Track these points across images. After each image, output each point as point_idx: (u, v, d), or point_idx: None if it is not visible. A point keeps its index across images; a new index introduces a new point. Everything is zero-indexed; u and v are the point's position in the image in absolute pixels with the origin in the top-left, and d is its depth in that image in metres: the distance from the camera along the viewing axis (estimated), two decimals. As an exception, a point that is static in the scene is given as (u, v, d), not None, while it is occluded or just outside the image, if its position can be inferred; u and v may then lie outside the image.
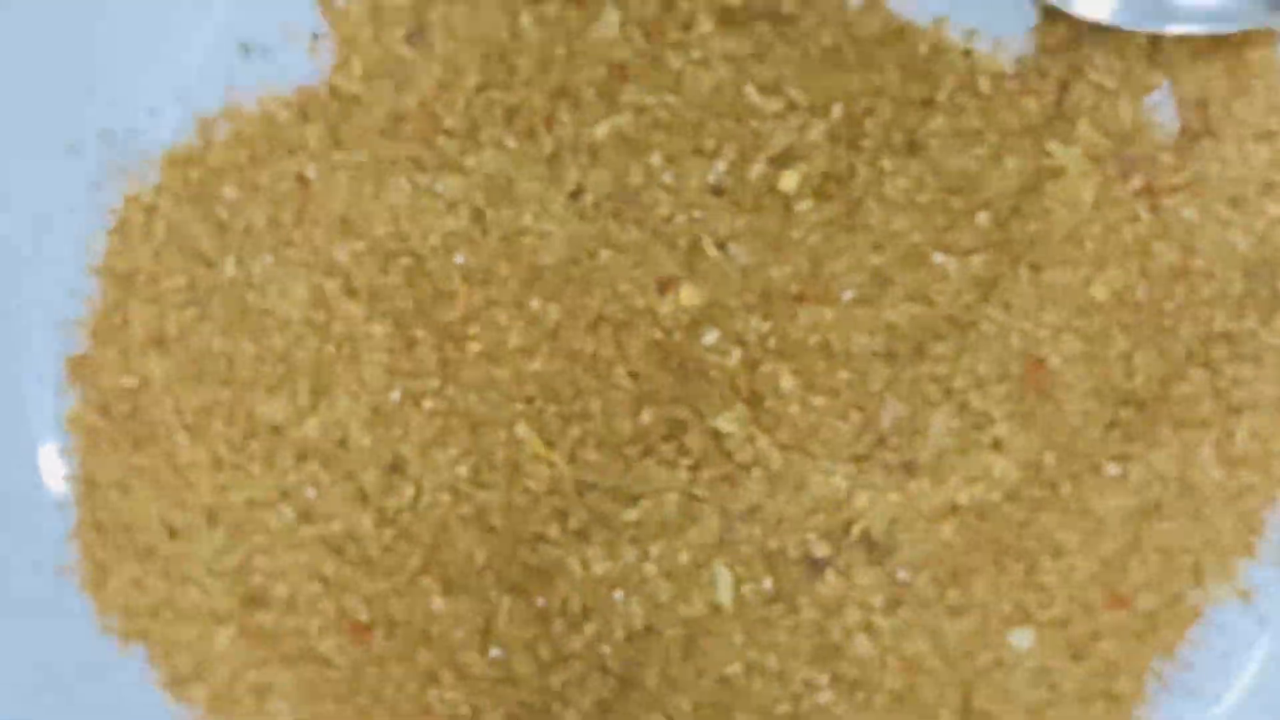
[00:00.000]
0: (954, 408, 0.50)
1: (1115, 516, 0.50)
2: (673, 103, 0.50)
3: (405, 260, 0.51)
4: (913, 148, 0.50)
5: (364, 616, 0.51)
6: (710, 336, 0.50)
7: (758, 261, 0.50)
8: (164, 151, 0.52)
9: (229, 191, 0.52)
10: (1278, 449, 0.50)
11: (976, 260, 0.50)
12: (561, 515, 0.50)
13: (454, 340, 0.51)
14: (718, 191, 0.50)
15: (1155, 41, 0.50)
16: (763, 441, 0.50)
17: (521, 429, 0.50)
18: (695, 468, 0.50)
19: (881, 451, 0.50)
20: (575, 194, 0.50)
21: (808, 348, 0.50)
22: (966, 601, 0.50)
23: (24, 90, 0.52)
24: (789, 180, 0.50)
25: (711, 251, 0.50)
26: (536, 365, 0.50)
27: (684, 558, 0.50)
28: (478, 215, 0.51)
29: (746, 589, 0.50)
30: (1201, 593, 0.51)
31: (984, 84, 0.50)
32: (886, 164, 0.50)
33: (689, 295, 0.50)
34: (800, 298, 0.50)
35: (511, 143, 0.51)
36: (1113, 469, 0.50)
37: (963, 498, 0.50)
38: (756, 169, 0.50)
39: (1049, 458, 0.50)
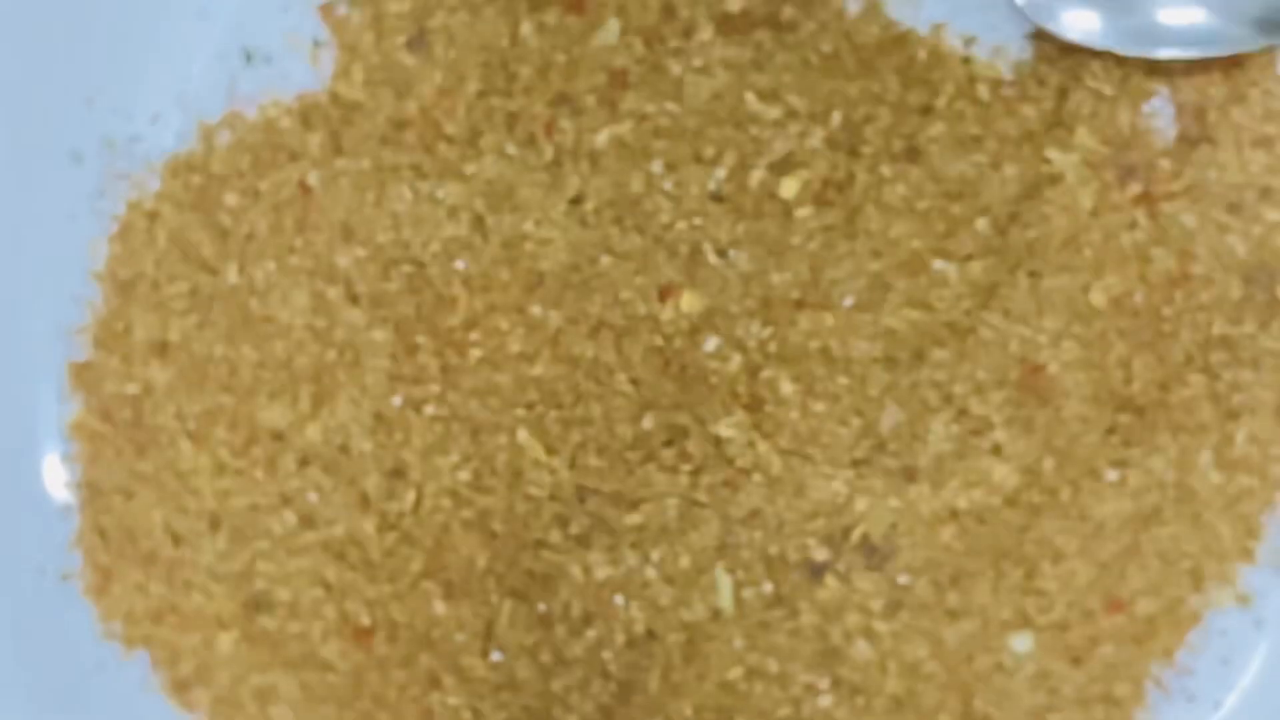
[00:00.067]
0: (953, 413, 0.50)
1: (1114, 521, 0.50)
2: (673, 110, 0.51)
3: (406, 267, 0.51)
4: (912, 154, 0.50)
5: (366, 621, 0.52)
6: (711, 343, 0.50)
7: (758, 268, 0.50)
8: (166, 159, 0.53)
9: (231, 198, 0.52)
10: (1276, 453, 0.50)
11: (976, 266, 0.50)
12: (562, 520, 0.51)
13: (455, 346, 0.51)
14: (718, 198, 0.50)
15: (1153, 48, 0.51)
16: (763, 447, 0.50)
17: (522, 434, 0.51)
18: (696, 473, 0.50)
19: (881, 457, 0.50)
20: (576, 201, 0.51)
21: (808, 354, 0.50)
22: (966, 606, 0.50)
23: (27, 98, 0.52)
24: (789, 187, 0.50)
25: (712, 258, 0.50)
26: (537, 371, 0.50)
27: (685, 562, 0.50)
28: (479, 222, 0.51)
29: (747, 593, 0.50)
30: (1200, 597, 0.51)
31: (983, 91, 0.51)
32: (886, 171, 0.50)
33: (689, 302, 0.50)
34: (800, 304, 0.50)
35: (512, 150, 0.51)
36: (1111, 474, 0.50)
37: (962, 503, 0.50)
38: (756, 176, 0.50)
39: (1048, 463, 0.50)
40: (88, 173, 0.53)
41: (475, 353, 0.51)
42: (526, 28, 0.51)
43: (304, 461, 0.51)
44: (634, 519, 0.50)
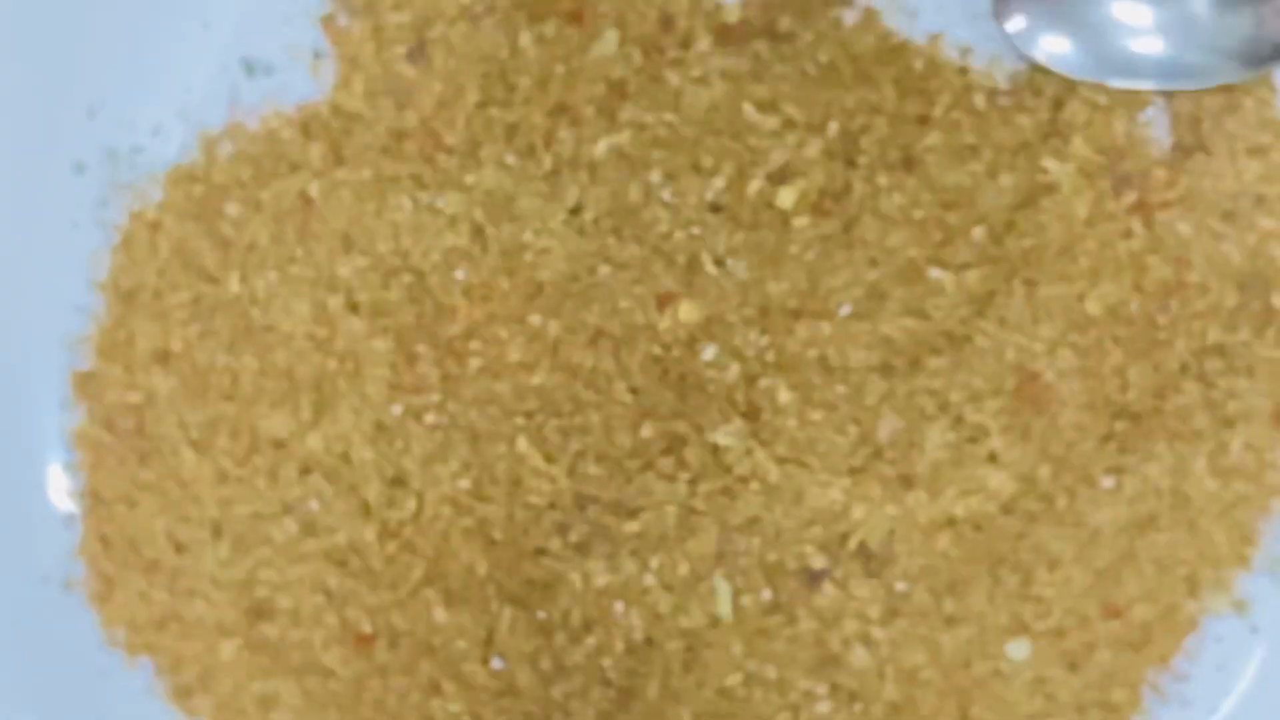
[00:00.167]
0: (950, 421, 0.50)
1: (1110, 528, 0.50)
2: (671, 120, 0.51)
3: (407, 276, 0.51)
4: (909, 164, 0.50)
5: (367, 628, 0.52)
6: (709, 351, 0.50)
7: (756, 277, 0.50)
8: (168, 169, 0.53)
9: (232, 209, 0.52)
10: (1271, 460, 0.51)
11: (972, 275, 0.50)
12: (562, 528, 0.51)
13: (455, 355, 0.51)
14: (716, 208, 0.51)
15: (1148, 58, 0.51)
16: (761, 455, 0.50)
17: (522, 443, 0.51)
18: (694, 481, 0.50)
19: (878, 464, 0.50)
20: (575, 211, 0.51)
21: (805, 362, 0.50)
22: (963, 612, 0.50)
23: (30, 109, 0.53)
24: (786, 197, 0.50)
25: (710, 267, 0.50)
26: (537, 380, 0.51)
27: (683, 570, 0.51)
28: (478, 232, 0.51)
29: (745, 600, 0.51)
30: (1196, 603, 0.51)
31: (979, 101, 0.51)
32: (883, 180, 0.50)
33: (688, 311, 0.50)
34: (798, 313, 0.50)
35: (512, 160, 0.51)
36: (1107, 481, 0.50)
37: (959, 510, 0.50)
38: (754, 186, 0.50)
39: (1044, 470, 0.50)
40: (90, 183, 0.53)
41: (475, 362, 0.51)
42: (525, 39, 0.51)
43: (305, 470, 0.52)
44: (633, 527, 0.50)
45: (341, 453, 0.51)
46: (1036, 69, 0.50)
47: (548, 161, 0.51)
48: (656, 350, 0.50)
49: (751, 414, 0.50)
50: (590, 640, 0.51)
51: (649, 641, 0.51)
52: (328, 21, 0.53)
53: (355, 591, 0.52)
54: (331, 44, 0.52)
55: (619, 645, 0.51)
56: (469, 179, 0.51)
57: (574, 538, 0.51)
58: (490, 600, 0.51)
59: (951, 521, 0.50)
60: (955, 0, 0.51)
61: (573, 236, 0.51)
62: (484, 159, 0.51)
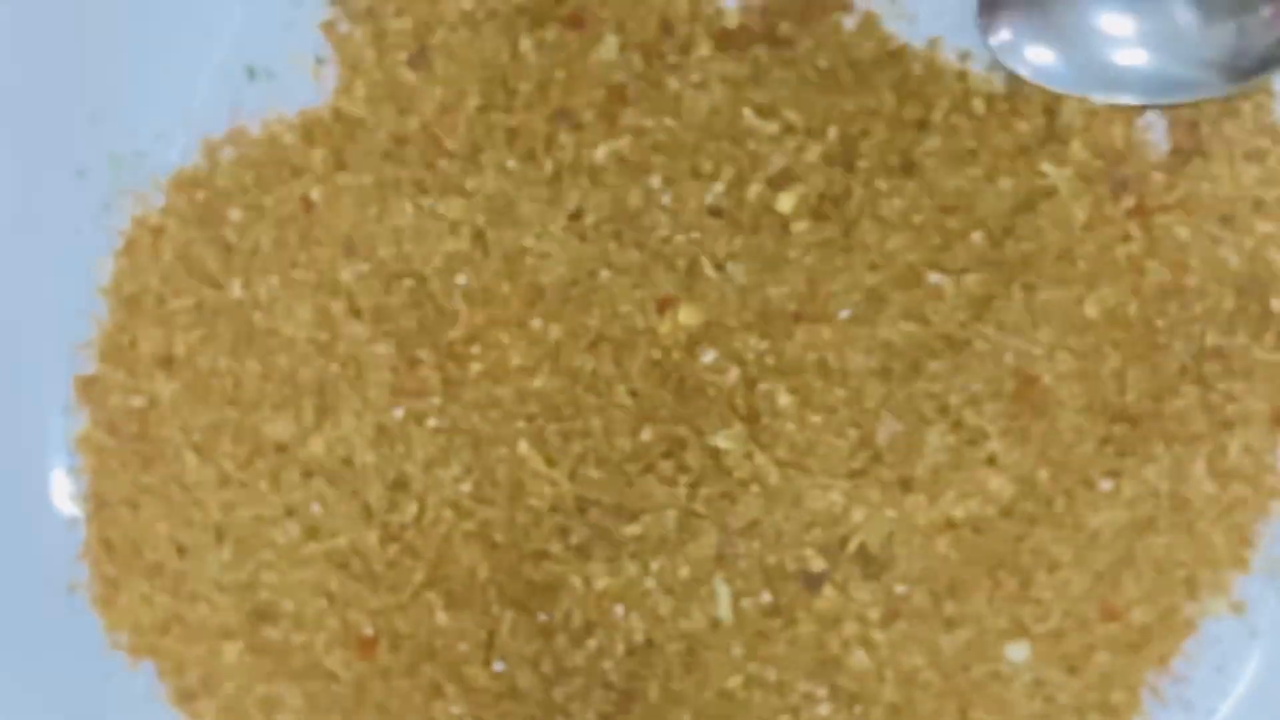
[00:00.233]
0: (949, 425, 0.50)
1: (1109, 531, 0.50)
2: (671, 125, 0.51)
3: (408, 281, 0.51)
4: (908, 168, 0.51)
5: (369, 631, 0.52)
6: (709, 355, 0.51)
7: (755, 281, 0.50)
8: (170, 174, 0.53)
9: (234, 213, 0.52)
10: (1269, 463, 0.51)
11: (971, 279, 0.50)
12: (563, 531, 0.51)
13: (456, 360, 0.51)
14: (716, 213, 0.51)
15: (1146, 62, 0.51)
16: (760, 458, 0.50)
17: (523, 447, 0.51)
18: (694, 485, 0.51)
19: (877, 468, 0.50)
20: (575, 215, 0.51)
21: (805, 366, 0.50)
22: (962, 615, 0.51)
23: (33, 115, 0.53)
24: (786, 201, 0.51)
25: (710, 272, 0.51)
26: (538, 384, 0.51)
27: (684, 573, 0.51)
28: (479, 236, 0.51)
29: (745, 603, 0.51)
30: (1195, 606, 0.51)
31: (978, 105, 0.51)
32: (882, 185, 0.50)
33: (688, 315, 0.51)
34: (797, 317, 0.50)
35: (512, 165, 0.51)
36: (1106, 484, 0.50)
37: (958, 513, 0.50)
38: (754, 190, 0.51)
39: (1043, 473, 0.50)
40: (93, 188, 0.53)
41: (476, 366, 0.51)
42: (526, 44, 0.51)
43: (307, 474, 0.52)
44: (633, 530, 0.51)
45: (343, 456, 0.52)
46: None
47: (548, 166, 0.51)
48: (656, 354, 0.51)
49: (751, 417, 0.50)
50: (591, 643, 0.51)
51: (649, 644, 0.51)
52: (329, 27, 0.53)
53: (357, 594, 0.52)
54: (333, 49, 0.53)
55: (620, 647, 0.51)
56: (470, 184, 0.51)
57: (575, 541, 0.51)
58: (491, 603, 0.51)
59: (951, 524, 0.50)
60: (954, 5, 0.51)
61: (573, 241, 0.51)
62: (485, 164, 0.51)
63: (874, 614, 0.51)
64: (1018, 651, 0.51)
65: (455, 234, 0.51)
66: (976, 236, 0.50)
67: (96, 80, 0.53)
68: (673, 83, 0.51)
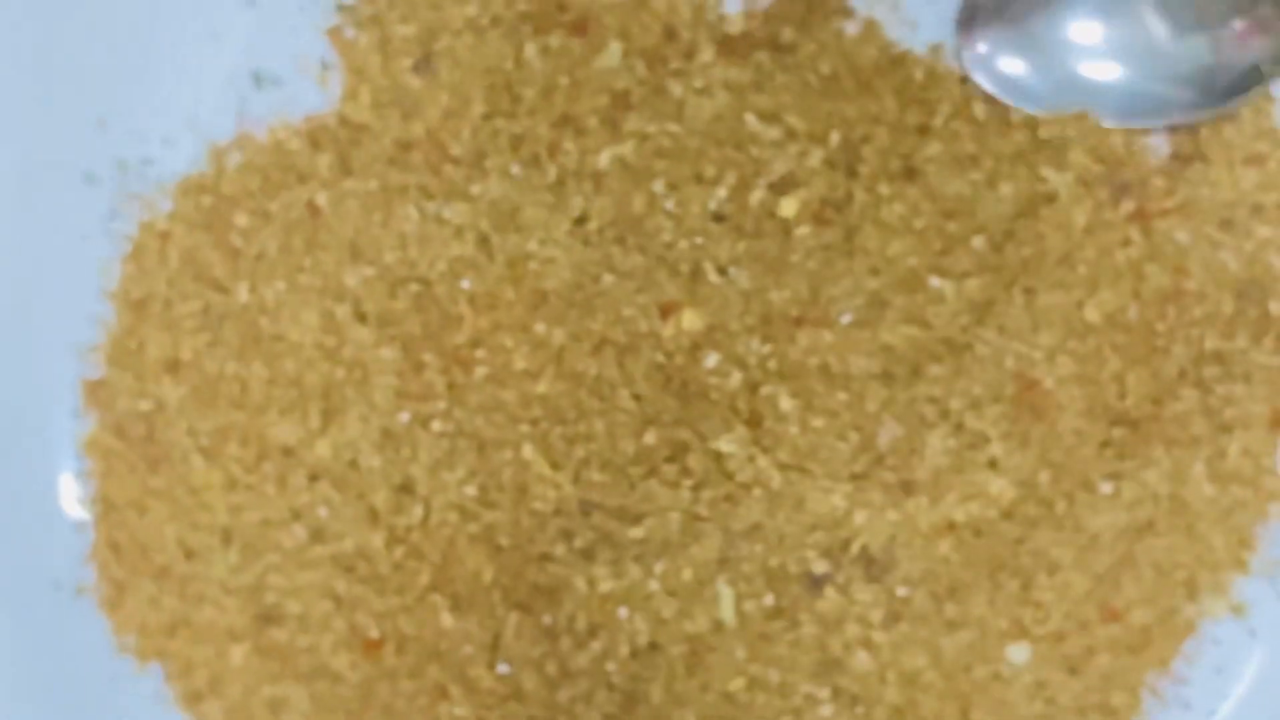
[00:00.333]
0: (950, 428, 0.50)
1: (1109, 533, 0.51)
2: (674, 131, 0.51)
3: (413, 286, 0.51)
4: (909, 173, 0.51)
5: (375, 633, 0.52)
6: (711, 359, 0.51)
7: (758, 286, 0.51)
8: (178, 180, 0.53)
9: (241, 219, 0.53)
10: (1268, 465, 0.51)
11: (972, 283, 0.50)
12: (567, 534, 0.51)
13: (461, 364, 0.51)
14: (719, 218, 0.51)
15: (1146, 68, 0.51)
16: (763, 461, 0.50)
17: (528, 450, 0.51)
18: (697, 488, 0.51)
19: (879, 471, 0.50)
20: (579, 220, 0.51)
21: (807, 370, 0.50)
22: (964, 617, 0.51)
23: (41, 121, 0.53)
24: (788, 206, 0.51)
25: (713, 276, 0.51)
26: (542, 388, 0.51)
27: (687, 575, 0.51)
28: (484, 241, 0.51)
29: (748, 605, 0.51)
30: (1195, 607, 0.51)
31: (979, 110, 0.51)
32: (883, 189, 0.51)
33: (691, 319, 0.51)
34: (799, 321, 0.51)
35: (517, 170, 0.51)
36: (1106, 487, 0.51)
37: (959, 515, 0.50)
38: (756, 195, 0.51)
39: (1044, 476, 0.50)
40: (101, 194, 0.53)
41: (481, 370, 0.51)
42: (530, 51, 0.52)
43: (314, 477, 0.52)
44: (637, 533, 0.51)
45: (349, 460, 0.52)
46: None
47: (552, 172, 0.51)
48: (660, 358, 0.51)
49: (754, 421, 0.51)
50: (595, 645, 0.51)
51: (653, 646, 0.51)
52: (335, 34, 0.53)
53: (363, 597, 0.52)
54: (339, 56, 0.53)
55: (623, 650, 0.51)
56: (475, 189, 0.51)
57: (579, 543, 0.51)
58: (496, 605, 0.51)
59: (952, 527, 0.50)
60: (955, 11, 0.51)
61: (577, 246, 0.51)
62: (489, 169, 0.51)
63: (876, 616, 0.51)
64: (1019, 653, 0.51)
65: (460, 239, 0.51)
66: (977, 241, 0.51)
67: (104, 87, 0.53)
68: (676, 88, 0.51)
